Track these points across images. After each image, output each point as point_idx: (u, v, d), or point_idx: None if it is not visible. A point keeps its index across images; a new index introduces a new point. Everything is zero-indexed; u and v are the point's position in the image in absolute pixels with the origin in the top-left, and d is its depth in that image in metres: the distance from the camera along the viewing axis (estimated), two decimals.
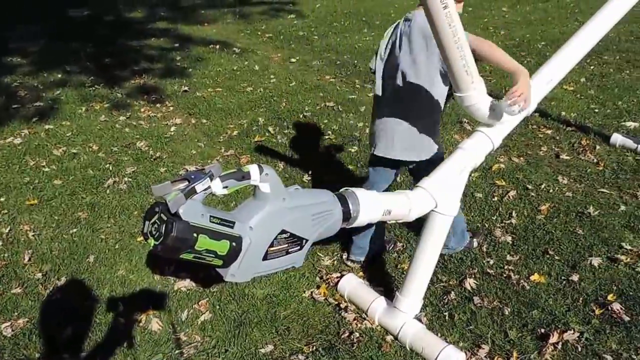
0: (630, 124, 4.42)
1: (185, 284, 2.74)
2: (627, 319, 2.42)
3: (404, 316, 2.34)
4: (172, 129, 4.65)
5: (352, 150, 4.13)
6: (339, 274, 2.77)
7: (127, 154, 4.20)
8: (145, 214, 1.44)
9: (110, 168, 3.98)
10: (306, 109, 4.96)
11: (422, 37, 2.31)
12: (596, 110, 4.72)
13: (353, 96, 5.23)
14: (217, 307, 2.60)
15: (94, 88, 5.66)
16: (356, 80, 5.68)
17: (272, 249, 1.58)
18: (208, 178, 1.42)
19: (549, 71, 2.30)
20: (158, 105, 5.19)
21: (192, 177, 1.42)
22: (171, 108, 5.13)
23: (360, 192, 1.82)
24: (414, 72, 2.37)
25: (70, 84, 5.74)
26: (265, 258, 1.58)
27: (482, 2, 9.43)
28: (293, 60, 6.49)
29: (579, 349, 2.27)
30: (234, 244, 1.47)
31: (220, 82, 5.79)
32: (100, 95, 5.45)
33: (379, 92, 2.53)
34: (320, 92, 5.38)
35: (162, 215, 1.38)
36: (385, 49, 2.49)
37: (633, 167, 3.75)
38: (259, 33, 7.80)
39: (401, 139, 2.48)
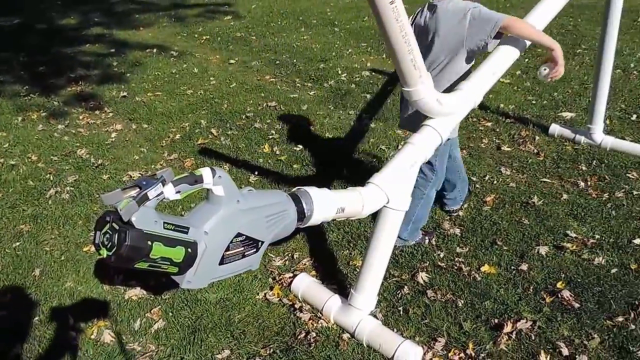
0: (567, 115, 4.59)
1: (136, 293, 2.65)
2: (577, 305, 2.49)
3: (359, 313, 2.33)
4: (113, 135, 4.48)
5: (297, 149, 4.11)
6: (291, 274, 2.74)
7: (68, 163, 4.01)
8: (96, 224, 1.37)
9: (51, 178, 3.79)
10: (248, 109, 4.89)
11: (451, 19, 2.39)
12: (533, 102, 4.87)
13: (294, 95, 5.20)
14: (170, 314, 2.52)
15: (29, 97, 5.38)
16: (296, 80, 5.66)
17: (228, 252, 1.53)
18: (160, 184, 1.36)
19: (493, 64, 2.35)
20: (97, 112, 4.99)
21: (144, 183, 1.35)
22: (110, 114, 4.95)
23: (313, 191, 1.80)
24: (438, 52, 2.47)
25: (4, 94, 5.43)
26: (221, 262, 1.53)
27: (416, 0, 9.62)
28: (232, 61, 6.39)
29: (533, 338, 2.32)
30: (189, 250, 1.42)
31: (159, 86, 5.63)
32: (37, 104, 5.19)
33: None
34: (261, 92, 5.32)
35: (114, 224, 1.31)
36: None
37: (572, 156, 3.89)
38: (196, 35, 7.64)
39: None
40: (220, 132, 4.46)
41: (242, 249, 1.57)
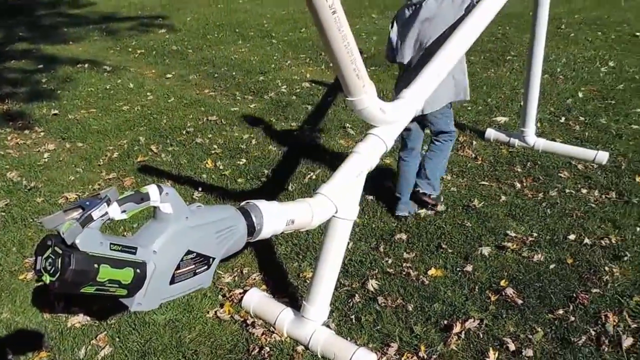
0: (501, 119, 4.79)
1: (79, 320, 2.55)
2: (520, 302, 2.59)
3: (312, 324, 2.33)
4: (45, 155, 4.31)
5: (240, 163, 4.08)
6: (241, 290, 2.71)
7: None
8: (37, 249, 1.31)
9: None
10: (188, 124, 4.83)
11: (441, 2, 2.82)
12: (469, 108, 5.04)
13: (235, 108, 5.18)
14: (117, 339, 2.44)
15: None
16: (236, 93, 5.63)
17: (178, 271, 1.50)
18: (105, 203, 1.32)
19: (435, 68, 2.41)
20: (26, 131, 4.79)
21: (87, 203, 1.31)
22: (42, 133, 4.76)
23: (262, 204, 1.79)
24: (436, 26, 2.82)
25: None
26: (172, 282, 1.50)
27: (352, 9, 9.77)
28: (169, 75, 6.30)
29: (481, 336, 2.40)
30: (137, 270, 1.38)
31: (93, 102, 5.47)
32: None
33: (406, 62, 2.97)
34: (201, 106, 5.27)
35: (56, 248, 1.26)
36: (398, 32, 2.97)
37: (507, 159, 4.06)
38: (130, 49, 7.48)
39: (445, 86, 2.75)
40: (160, 148, 4.37)
41: (193, 266, 1.54)
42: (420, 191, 3.26)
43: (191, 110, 5.18)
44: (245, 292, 2.64)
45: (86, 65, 6.67)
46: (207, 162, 4.09)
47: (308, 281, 2.69)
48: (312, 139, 4.46)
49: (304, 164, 4.03)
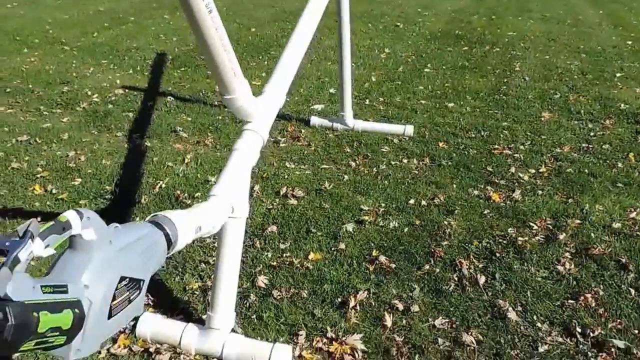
0: (317, 106, 4.98)
1: None
2: (393, 266, 2.74)
3: (221, 334, 2.14)
4: None
5: (76, 184, 3.58)
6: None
7: None
8: None
9: None
10: None
11: None
12: (287, 100, 5.09)
13: (47, 125, 4.51)
14: None
15: None
16: (41, 107, 4.91)
17: (115, 302, 1.27)
18: (29, 240, 1.06)
19: (288, 57, 2.43)
20: None
21: (7, 244, 1.04)
22: None
23: (172, 215, 1.60)
24: None
25: None
26: (110, 316, 1.27)
27: (142, 11, 9.25)
28: None
29: (373, 304, 2.49)
30: (76, 310, 1.14)
31: None
32: None
33: None
34: (3, 126, 4.49)
35: None
36: None
37: (336, 142, 4.24)
38: None
39: None
40: None
41: (127, 294, 1.32)
42: None
43: None
44: (137, 319, 2.30)
45: None
46: (34, 189, 3.51)
47: (196, 293, 2.52)
48: (146, 147, 4.11)
49: (147, 174, 3.70)
